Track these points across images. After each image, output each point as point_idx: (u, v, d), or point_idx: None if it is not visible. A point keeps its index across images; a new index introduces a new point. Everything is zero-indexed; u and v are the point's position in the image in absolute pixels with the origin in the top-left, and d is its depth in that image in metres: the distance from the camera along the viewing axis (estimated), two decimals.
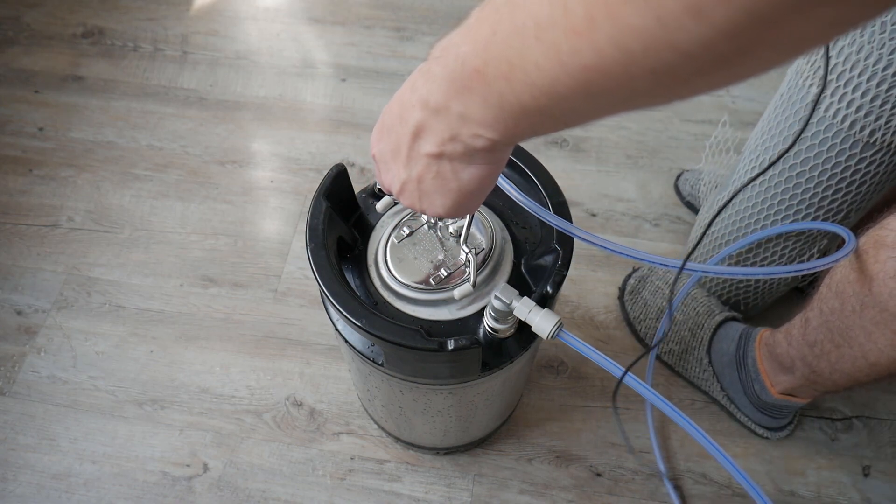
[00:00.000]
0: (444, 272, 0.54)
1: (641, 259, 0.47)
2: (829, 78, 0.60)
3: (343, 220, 0.56)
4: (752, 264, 0.82)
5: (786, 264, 0.80)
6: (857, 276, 0.59)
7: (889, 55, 0.55)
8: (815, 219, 0.71)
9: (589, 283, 0.98)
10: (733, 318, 0.86)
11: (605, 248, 0.47)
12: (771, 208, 0.74)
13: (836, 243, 0.78)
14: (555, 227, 0.50)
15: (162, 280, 0.98)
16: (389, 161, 0.40)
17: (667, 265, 0.48)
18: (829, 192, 0.68)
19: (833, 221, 0.71)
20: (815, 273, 0.65)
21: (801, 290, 0.96)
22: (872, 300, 0.57)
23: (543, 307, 0.48)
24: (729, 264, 0.86)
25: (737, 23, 0.20)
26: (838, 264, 0.62)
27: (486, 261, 0.55)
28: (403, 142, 0.37)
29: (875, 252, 0.56)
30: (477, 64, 0.29)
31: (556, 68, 0.25)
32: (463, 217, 0.46)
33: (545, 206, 0.55)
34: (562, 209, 0.54)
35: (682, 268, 0.48)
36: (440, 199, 0.39)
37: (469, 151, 0.34)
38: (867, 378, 0.64)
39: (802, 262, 0.79)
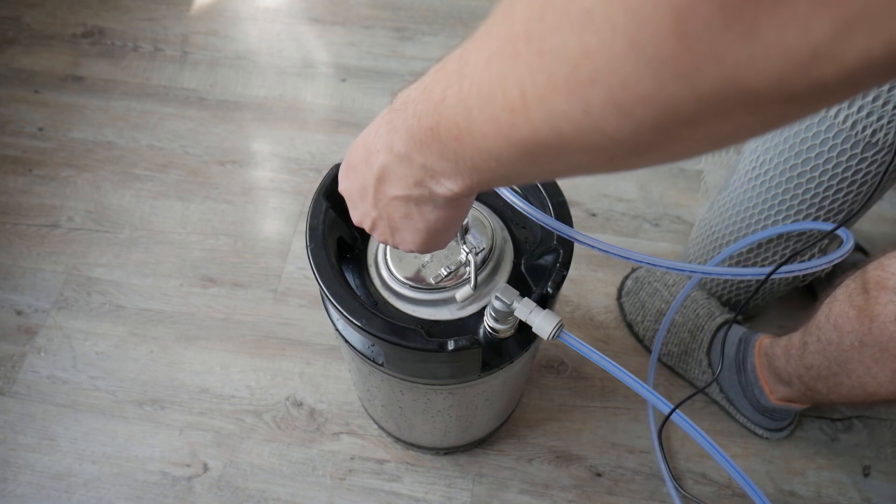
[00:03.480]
0: (444, 272, 0.54)
1: (641, 261, 0.47)
2: None
3: (343, 220, 0.56)
4: (753, 264, 0.82)
5: (786, 264, 0.80)
6: (857, 314, 0.59)
7: None
8: (815, 219, 0.71)
9: (589, 283, 0.98)
10: (733, 321, 0.86)
11: (605, 251, 0.47)
12: (772, 209, 0.74)
13: (836, 243, 0.78)
14: (553, 230, 0.50)
15: (162, 280, 0.98)
16: (356, 199, 0.42)
17: (667, 267, 0.48)
18: (830, 192, 0.68)
19: (833, 221, 0.71)
20: (815, 273, 0.65)
21: (811, 289, 0.96)
22: (872, 340, 0.57)
23: (544, 307, 0.48)
24: (729, 265, 0.86)
25: (658, 120, 0.21)
26: (836, 298, 0.64)
27: (486, 261, 0.55)
28: (369, 183, 0.38)
29: (876, 293, 0.56)
30: (431, 123, 0.31)
31: (498, 138, 0.27)
32: (433, 251, 0.47)
33: (545, 206, 0.55)
34: (562, 209, 0.54)
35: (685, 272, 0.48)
36: (410, 237, 0.40)
37: (433, 197, 0.35)
38: (865, 402, 0.65)
39: (803, 261, 0.79)
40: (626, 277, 0.95)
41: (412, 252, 0.42)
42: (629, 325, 0.93)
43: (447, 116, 0.29)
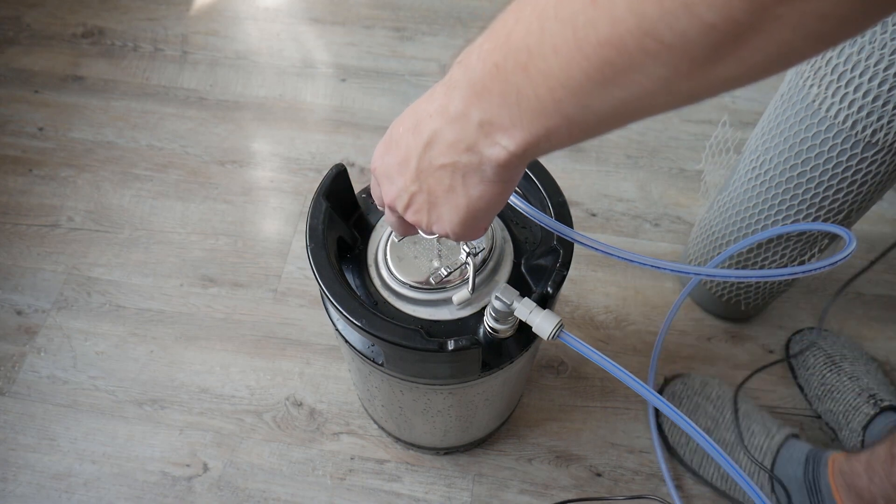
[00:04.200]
0: (444, 271, 0.54)
1: (641, 263, 0.47)
2: (830, 78, 0.60)
3: (343, 220, 0.56)
4: (753, 265, 0.82)
5: (786, 265, 0.80)
6: None
7: (890, 55, 0.55)
8: (815, 219, 0.71)
9: (589, 283, 0.98)
10: (794, 436, 0.79)
11: (605, 252, 0.47)
12: (771, 209, 0.74)
13: (837, 243, 0.78)
14: (553, 231, 0.50)
15: (162, 280, 0.98)
16: (395, 174, 0.39)
17: (668, 269, 0.48)
18: (830, 192, 0.68)
19: (833, 221, 0.71)
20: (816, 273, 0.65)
21: (811, 288, 0.96)
22: None
23: (544, 307, 0.48)
24: (730, 265, 0.86)
25: None
26: None
27: (486, 261, 0.55)
28: (414, 153, 0.37)
29: None
30: (497, 59, 0.30)
31: (572, 49, 0.25)
32: (468, 240, 0.46)
33: (545, 206, 0.55)
34: (562, 209, 0.54)
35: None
36: (448, 214, 0.38)
37: (483, 163, 0.34)
38: None
39: (803, 261, 0.79)
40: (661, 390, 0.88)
41: (446, 236, 0.40)
42: (671, 449, 0.84)
43: (516, 43, 0.28)
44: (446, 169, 0.36)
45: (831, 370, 0.85)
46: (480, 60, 0.31)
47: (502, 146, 0.32)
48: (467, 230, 0.39)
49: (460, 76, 0.33)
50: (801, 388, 0.89)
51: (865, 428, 0.79)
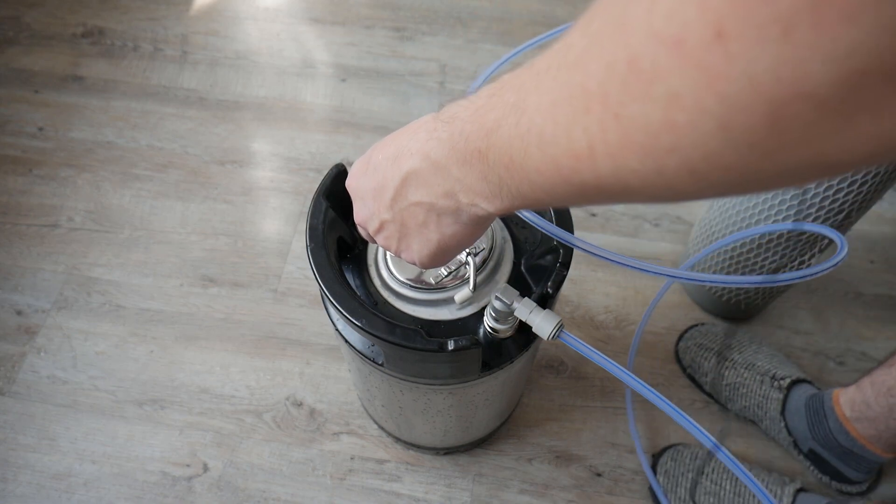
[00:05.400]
0: (444, 272, 0.54)
1: (640, 269, 0.47)
2: None
3: (343, 220, 0.56)
4: (754, 265, 0.82)
5: (786, 265, 0.80)
6: None
7: None
8: (815, 219, 0.71)
9: (589, 283, 0.98)
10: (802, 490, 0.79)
11: (604, 257, 0.46)
12: (772, 209, 0.74)
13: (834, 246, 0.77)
14: (553, 237, 0.50)
15: (162, 280, 0.98)
16: (368, 198, 0.40)
17: (670, 276, 0.48)
18: (830, 192, 0.68)
19: (833, 221, 0.71)
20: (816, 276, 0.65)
21: (811, 287, 0.96)
22: None
23: (544, 307, 0.47)
24: (729, 266, 0.86)
25: (734, 184, 0.21)
26: None
27: (486, 261, 0.55)
28: (391, 184, 0.37)
29: None
30: (480, 146, 0.30)
31: (555, 177, 0.26)
32: (434, 268, 0.46)
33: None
34: (562, 210, 0.54)
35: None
36: (418, 246, 0.39)
37: (460, 210, 0.34)
38: None
39: (803, 261, 0.79)
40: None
41: (413, 263, 0.41)
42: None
43: (499, 146, 0.28)
44: (422, 206, 0.36)
45: (726, 367, 0.85)
46: (463, 137, 0.31)
47: (481, 207, 0.33)
48: (435, 262, 0.40)
49: (445, 135, 0.32)
50: (711, 397, 0.88)
51: (783, 413, 0.80)
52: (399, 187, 0.36)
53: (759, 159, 0.19)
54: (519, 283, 0.55)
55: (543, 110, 0.25)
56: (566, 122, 0.24)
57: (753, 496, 0.76)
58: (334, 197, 0.55)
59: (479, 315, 0.53)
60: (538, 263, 0.55)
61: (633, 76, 0.20)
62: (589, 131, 0.23)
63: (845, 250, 0.52)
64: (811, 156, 0.18)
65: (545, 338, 0.47)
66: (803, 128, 0.18)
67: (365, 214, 0.42)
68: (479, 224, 0.36)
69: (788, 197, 0.71)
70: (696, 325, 0.91)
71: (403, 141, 0.36)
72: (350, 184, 0.43)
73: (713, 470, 0.78)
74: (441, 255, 0.39)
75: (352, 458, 0.84)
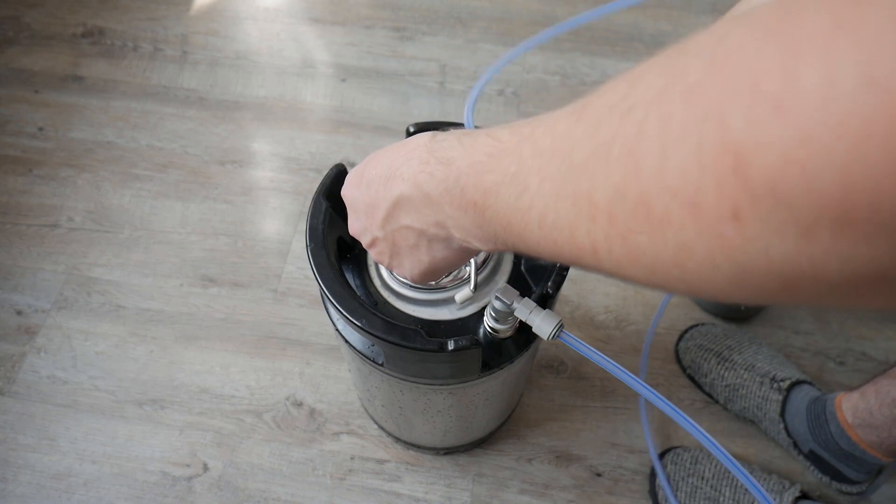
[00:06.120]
0: None
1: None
2: None
3: (343, 220, 0.56)
4: None
5: None
6: None
7: None
8: None
9: (589, 282, 0.98)
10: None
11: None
12: None
13: None
14: None
15: (162, 280, 0.98)
16: (361, 213, 0.40)
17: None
18: None
19: None
20: None
21: None
22: None
23: (544, 307, 0.47)
24: None
25: (730, 296, 0.21)
26: None
27: (487, 260, 0.55)
28: (382, 204, 0.36)
29: None
30: (475, 199, 0.29)
31: (552, 254, 0.26)
32: (427, 283, 0.47)
33: None
34: None
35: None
36: (409, 265, 0.39)
37: (451, 240, 0.34)
38: None
39: None
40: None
41: (404, 278, 0.42)
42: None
43: (498, 209, 0.28)
44: (412, 230, 0.35)
45: (726, 368, 0.85)
46: (458, 186, 0.30)
47: (472, 245, 0.33)
48: (426, 280, 0.41)
49: (439, 175, 0.32)
50: (710, 397, 0.88)
51: (782, 414, 0.80)
52: (390, 209, 0.36)
53: (769, 301, 0.20)
54: (519, 283, 0.55)
55: (546, 196, 0.24)
56: (570, 220, 0.23)
57: (752, 502, 0.76)
58: (334, 197, 0.55)
59: (480, 315, 0.53)
60: (538, 263, 0.55)
61: (643, 213, 0.20)
62: (593, 237, 0.23)
63: None
64: (820, 304, 0.19)
65: (545, 338, 0.47)
66: (816, 297, 0.18)
67: (358, 228, 0.42)
68: (469, 253, 0.36)
69: None
70: (696, 326, 0.91)
71: (397, 163, 0.35)
72: (345, 193, 0.43)
73: (713, 475, 0.78)
74: (432, 275, 0.40)
75: (352, 458, 0.84)
